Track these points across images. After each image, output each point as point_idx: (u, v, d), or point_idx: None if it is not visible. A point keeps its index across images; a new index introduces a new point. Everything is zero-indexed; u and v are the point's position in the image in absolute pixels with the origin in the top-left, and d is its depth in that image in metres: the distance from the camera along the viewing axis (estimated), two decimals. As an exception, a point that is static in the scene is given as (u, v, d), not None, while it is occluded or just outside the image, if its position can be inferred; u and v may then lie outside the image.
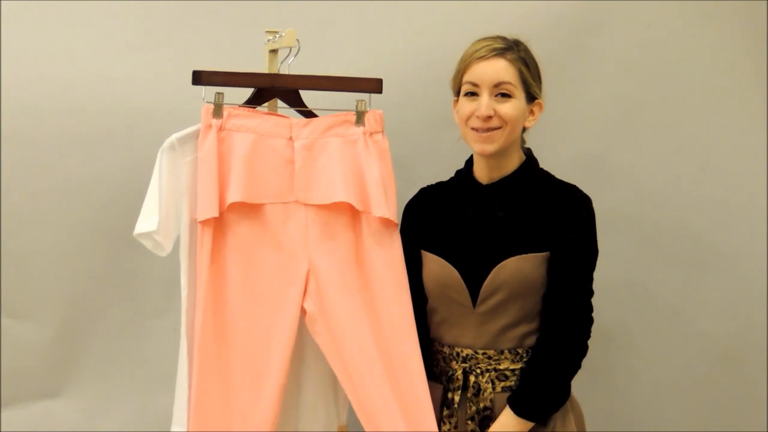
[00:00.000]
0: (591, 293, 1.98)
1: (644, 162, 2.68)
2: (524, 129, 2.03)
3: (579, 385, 2.06)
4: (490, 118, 1.94)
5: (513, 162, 2.01)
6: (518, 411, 1.91)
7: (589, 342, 2.02)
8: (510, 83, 1.94)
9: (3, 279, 2.41)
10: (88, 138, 2.43)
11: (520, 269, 1.92)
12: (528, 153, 2.05)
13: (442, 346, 2.02)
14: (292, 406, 2.09)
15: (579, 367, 1.97)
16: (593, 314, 2.00)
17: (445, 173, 2.17)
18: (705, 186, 2.70)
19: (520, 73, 1.94)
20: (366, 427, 1.95)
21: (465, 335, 1.98)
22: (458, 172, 2.11)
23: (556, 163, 2.13)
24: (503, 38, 1.98)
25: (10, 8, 2.40)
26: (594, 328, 2.67)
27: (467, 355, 1.98)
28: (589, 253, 1.96)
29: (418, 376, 1.95)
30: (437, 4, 2.61)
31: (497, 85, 1.94)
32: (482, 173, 2.03)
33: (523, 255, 1.92)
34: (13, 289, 2.42)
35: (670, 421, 2.72)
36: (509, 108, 1.94)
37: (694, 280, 2.71)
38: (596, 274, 2.02)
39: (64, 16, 2.43)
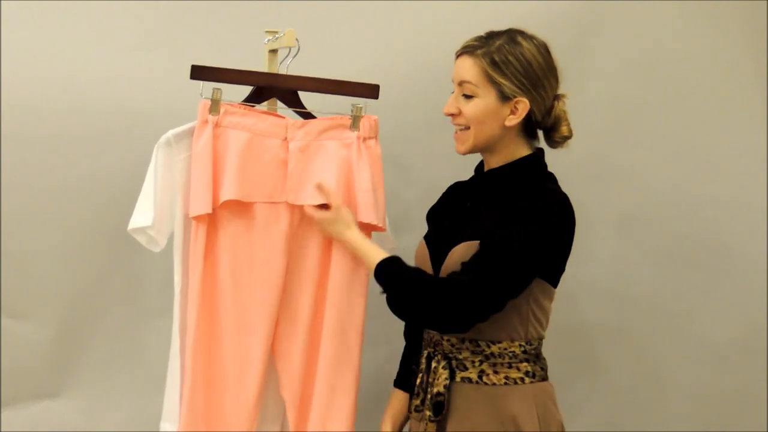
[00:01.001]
0: (502, 278, 1.80)
1: (644, 162, 2.68)
2: (557, 129, 1.99)
3: (579, 385, 2.05)
4: (453, 115, 1.95)
5: (500, 159, 1.97)
6: (381, 263, 1.88)
7: (589, 341, 2.00)
8: (470, 82, 1.90)
9: (3, 279, 2.41)
10: (88, 138, 2.43)
11: (465, 255, 1.87)
12: (534, 152, 1.99)
13: (426, 332, 2.03)
14: (280, 405, 2.10)
15: (436, 316, 1.82)
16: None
17: (445, 173, 2.17)
18: (705, 186, 2.70)
19: (484, 71, 1.89)
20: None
21: None
22: None
23: (554, 162, 2.13)
24: (489, 34, 1.94)
25: (10, 8, 2.40)
26: (595, 328, 2.68)
27: (436, 340, 1.97)
28: (517, 240, 1.81)
29: (348, 390, 2.04)
30: (437, 4, 2.61)
31: (461, 84, 1.93)
32: (485, 165, 2.03)
33: (471, 242, 1.88)
34: (13, 289, 2.42)
35: (670, 421, 2.72)
36: (470, 108, 1.91)
37: (694, 280, 2.71)
38: (596, 274, 2.01)
39: (64, 16, 2.43)
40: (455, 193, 2.12)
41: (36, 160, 2.41)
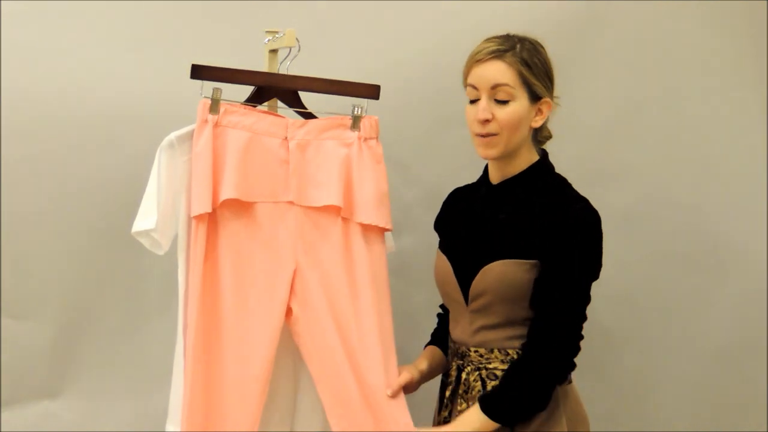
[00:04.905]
0: (579, 308, 1.91)
1: (643, 162, 2.69)
2: (542, 129, 2.00)
3: (580, 385, 2.05)
4: (487, 121, 1.90)
5: (521, 163, 1.96)
6: (486, 409, 1.87)
7: (589, 341, 2.01)
8: (508, 85, 1.89)
9: (3, 279, 2.41)
10: (88, 138, 2.43)
11: (504, 273, 1.89)
12: (542, 155, 2.00)
13: (452, 342, 2.03)
14: (290, 407, 2.10)
15: (559, 377, 1.91)
16: (590, 322, 1.96)
17: (445, 173, 2.18)
18: (705, 186, 2.71)
19: (520, 74, 1.89)
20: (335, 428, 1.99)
21: (462, 331, 1.98)
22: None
23: (555, 163, 2.13)
24: (507, 37, 1.93)
25: (10, 8, 2.40)
26: (595, 328, 2.67)
27: (463, 351, 1.97)
28: (577, 268, 1.88)
29: (379, 385, 1.97)
30: (438, 4, 2.61)
31: (494, 88, 1.90)
32: (493, 173, 2.01)
33: (508, 260, 1.89)
34: (13, 289, 2.42)
35: (670, 421, 2.72)
36: (507, 113, 1.89)
37: (693, 280, 2.71)
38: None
39: (64, 15, 2.43)
40: (461, 199, 2.10)
41: (36, 160, 2.41)
